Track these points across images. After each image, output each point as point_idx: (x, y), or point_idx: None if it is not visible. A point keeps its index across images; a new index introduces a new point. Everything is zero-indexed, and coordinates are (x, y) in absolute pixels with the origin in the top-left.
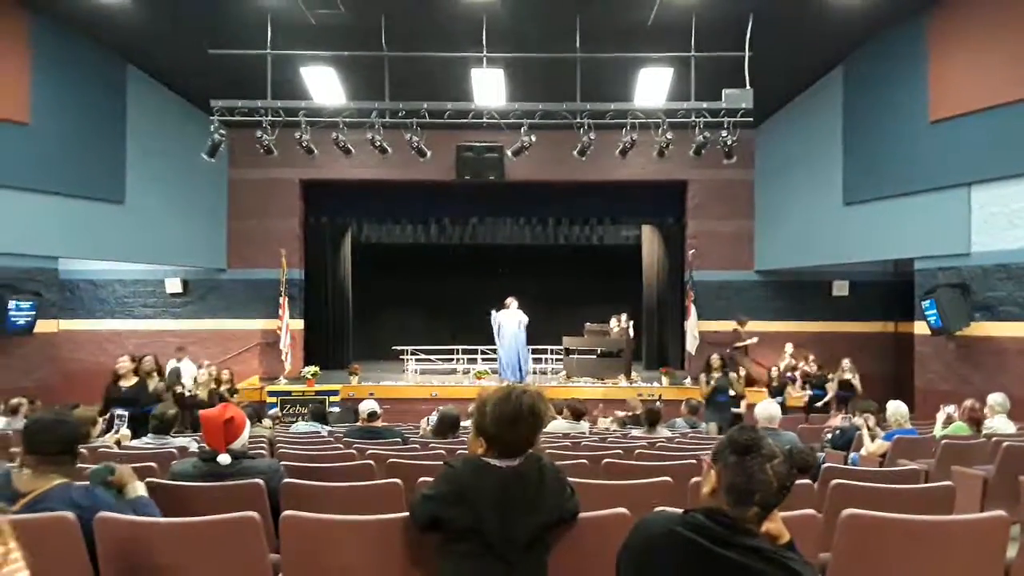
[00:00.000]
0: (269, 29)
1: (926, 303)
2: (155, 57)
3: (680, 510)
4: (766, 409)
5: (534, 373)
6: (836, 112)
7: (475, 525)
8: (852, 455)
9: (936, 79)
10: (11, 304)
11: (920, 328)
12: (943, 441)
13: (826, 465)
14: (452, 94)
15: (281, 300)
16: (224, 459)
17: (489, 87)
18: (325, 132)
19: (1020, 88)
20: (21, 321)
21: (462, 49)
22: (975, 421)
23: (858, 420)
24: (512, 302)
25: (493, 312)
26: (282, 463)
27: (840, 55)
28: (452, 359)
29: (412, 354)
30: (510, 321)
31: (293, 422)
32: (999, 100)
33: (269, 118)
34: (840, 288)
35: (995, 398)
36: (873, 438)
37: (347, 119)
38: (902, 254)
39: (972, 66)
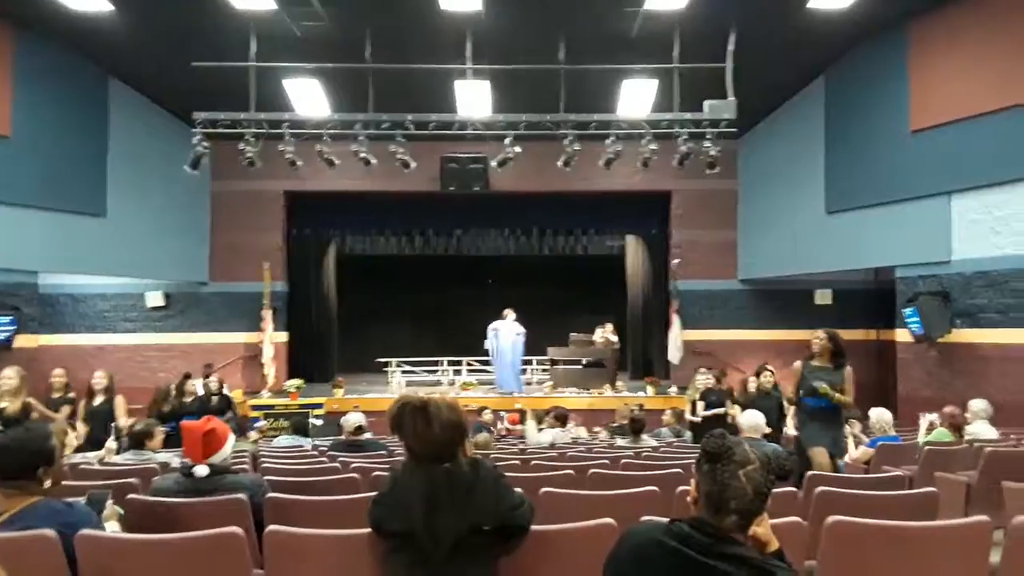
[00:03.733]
0: (253, 41)
1: (908, 311)
2: (137, 70)
3: (666, 520)
4: (751, 418)
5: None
6: (818, 122)
7: (406, 528)
8: (838, 462)
9: (916, 89)
10: None
11: (902, 336)
12: (926, 447)
13: (810, 472)
14: (437, 105)
15: (263, 313)
16: (201, 471)
17: (474, 98)
18: (309, 144)
19: (999, 97)
20: (0, 336)
21: (447, 60)
22: (956, 427)
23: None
24: (509, 313)
25: (490, 326)
26: (265, 478)
27: (822, 66)
28: (437, 371)
29: (397, 366)
30: (507, 332)
31: (276, 436)
32: (979, 110)
33: (252, 130)
34: (823, 296)
35: (977, 404)
36: (857, 445)
37: (331, 131)
38: (884, 262)
39: (952, 76)
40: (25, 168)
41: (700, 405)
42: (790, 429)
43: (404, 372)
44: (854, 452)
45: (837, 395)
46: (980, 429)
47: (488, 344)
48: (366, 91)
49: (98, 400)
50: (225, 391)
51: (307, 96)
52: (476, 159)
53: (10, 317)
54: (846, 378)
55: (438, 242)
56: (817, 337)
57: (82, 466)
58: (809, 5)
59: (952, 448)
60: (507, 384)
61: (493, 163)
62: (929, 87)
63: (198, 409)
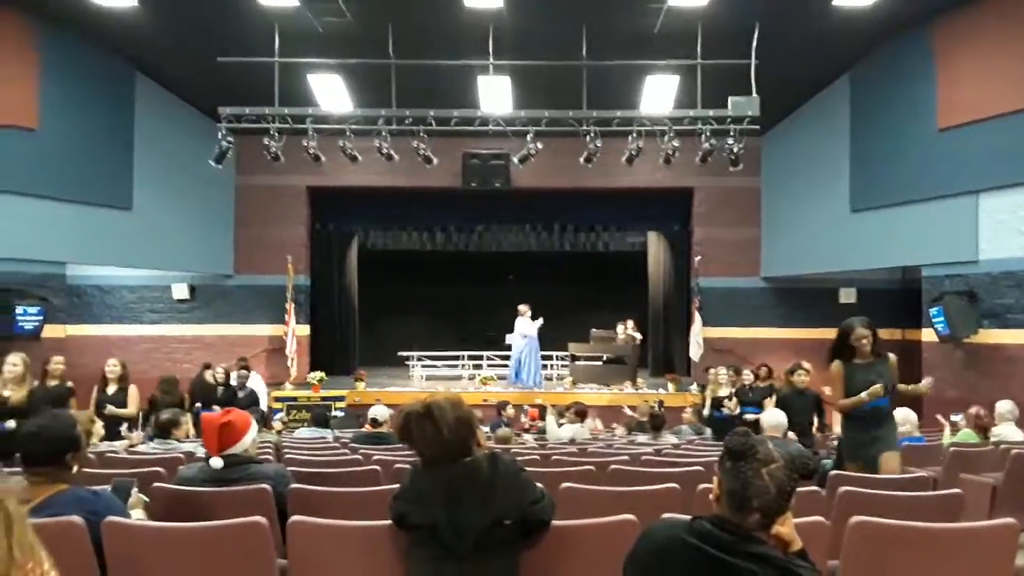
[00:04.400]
0: (276, 37)
1: (933, 310)
2: (163, 64)
3: (687, 517)
4: (773, 417)
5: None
6: (843, 119)
7: (429, 522)
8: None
9: (944, 87)
10: (19, 309)
11: (928, 335)
12: (951, 449)
13: (834, 472)
14: (459, 101)
15: (287, 306)
16: (215, 463)
17: (495, 94)
18: (332, 139)
19: None
20: (29, 326)
21: (468, 57)
22: (982, 428)
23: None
24: (524, 309)
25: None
26: (288, 468)
27: (847, 62)
28: (457, 365)
29: (418, 360)
30: (522, 328)
31: (297, 427)
32: (1007, 108)
33: (276, 125)
34: (847, 295)
35: (1004, 405)
36: None
37: (354, 126)
38: (909, 261)
39: (980, 73)
40: (53, 162)
41: (733, 402)
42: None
43: (424, 366)
44: None
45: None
46: (1006, 431)
47: (511, 339)
48: (389, 87)
49: (112, 389)
50: (251, 383)
51: (330, 91)
52: (498, 155)
53: (38, 308)
54: (894, 368)
55: (459, 238)
56: (863, 337)
57: (108, 454)
58: (834, 2)
59: (977, 449)
60: (520, 379)
61: (515, 159)
62: (956, 85)
63: (224, 399)
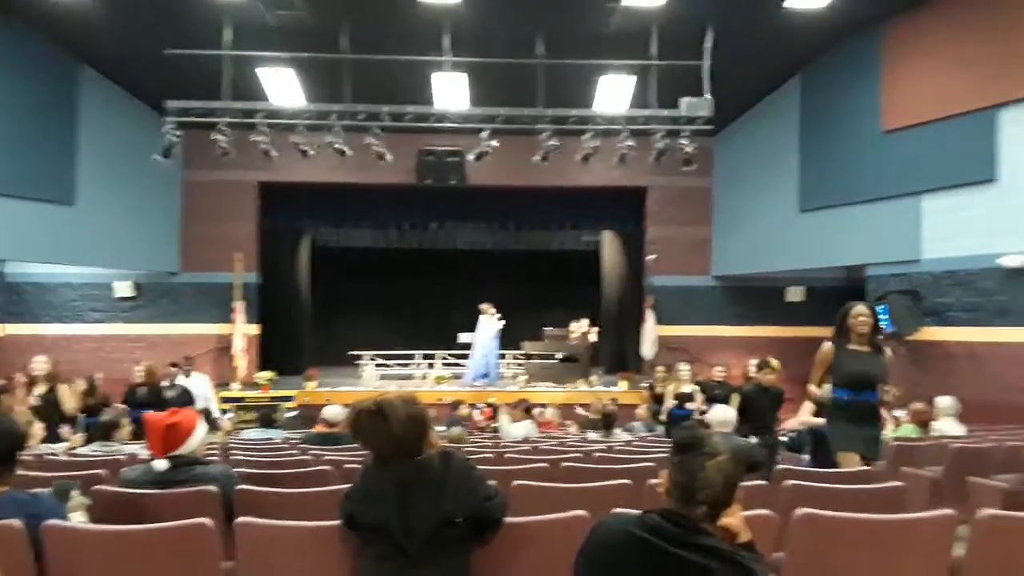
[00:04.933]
0: (227, 29)
1: (878, 308)
2: (110, 57)
3: (638, 512)
4: (721, 413)
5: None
6: (793, 121)
7: (380, 522)
8: (805, 457)
9: (889, 90)
10: None
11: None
12: (894, 443)
13: (780, 466)
14: (414, 98)
15: (234, 304)
16: (159, 465)
17: (451, 91)
18: (284, 134)
19: (969, 100)
20: None
21: (424, 52)
22: (923, 423)
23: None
24: (489, 308)
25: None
26: (236, 470)
27: (797, 65)
28: (411, 364)
29: (371, 359)
30: (486, 327)
31: (246, 429)
32: (949, 111)
33: (226, 119)
34: (795, 294)
35: (944, 401)
36: None
37: (306, 121)
38: (855, 261)
39: (924, 78)
40: None
41: (700, 398)
42: (793, 423)
43: (378, 365)
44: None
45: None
46: (947, 426)
47: (469, 337)
48: (342, 82)
49: (40, 389)
50: (195, 383)
51: (282, 86)
52: (453, 152)
53: None
54: (888, 365)
55: (413, 235)
56: (861, 315)
57: (48, 457)
58: (786, 5)
59: (919, 444)
60: (475, 378)
61: (470, 157)
62: (901, 88)
63: (146, 400)
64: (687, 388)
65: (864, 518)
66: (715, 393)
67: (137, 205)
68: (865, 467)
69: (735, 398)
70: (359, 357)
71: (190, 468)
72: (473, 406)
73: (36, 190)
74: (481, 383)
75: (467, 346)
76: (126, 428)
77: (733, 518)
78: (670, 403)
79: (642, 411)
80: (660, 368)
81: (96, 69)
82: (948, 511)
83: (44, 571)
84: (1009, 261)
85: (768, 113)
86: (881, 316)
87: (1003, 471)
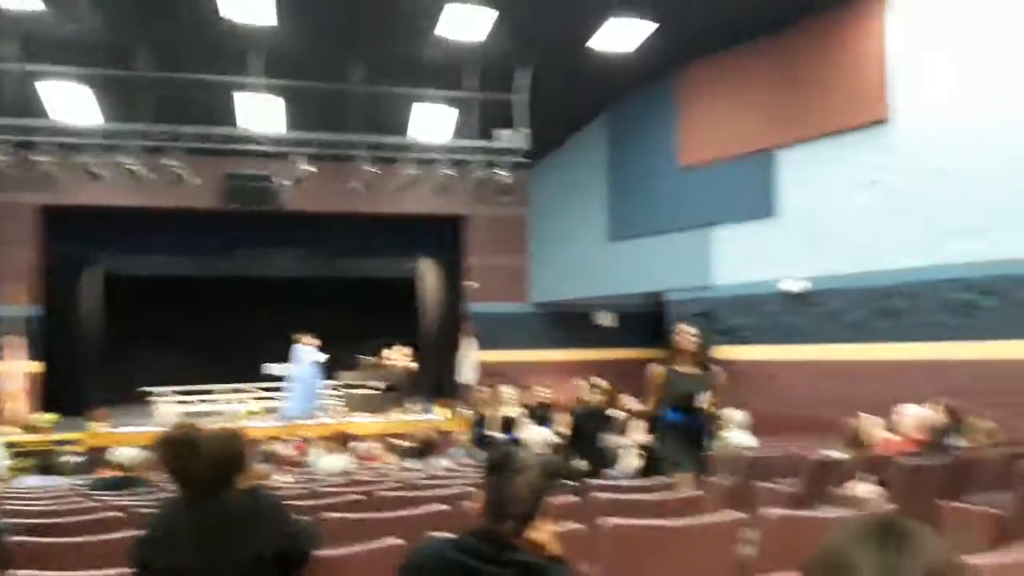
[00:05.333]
0: (10, 42)
1: None
2: None
3: (453, 535)
4: (537, 435)
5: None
6: (602, 155)
7: (179, 564)
8: (613, 471)
9: (684, 129)
10: None
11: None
12: None
13: (589, 480)
14: (222, 119)
15: (4, 340)
16: None
17: (264, 114)
18: (72, 155)
19: (752, 141)
20: None
21: (236, 72)
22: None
23: (621, 439)
24: (310, 339)
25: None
26: (11, 520)
27: (606, 103)
28: (218, 400)
29: (172, 395)
30: (307, 357)
31: (23, 476)
32: (735, 151)
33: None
34: (607, 318)
35: (733, 414)
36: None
37: (97, 141)
38: (657, 287)
39: (714, 119)
40: None
41: (527, 422)
42: (625, 440)
43: (180, 402)
44: (632, 461)
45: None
46: (737, 437)
47: (283, 369)
48: (141, 100)
49: None
50: None
51: (73, 103)
52: (264, 177)
53: None
54: (716, 380)
55: (220, 263)
56: (688, 334)
57: None
58: (595, 47)
59: (714, 454)
60: (296, 412)
61: (285, 182)
62: (695, 128)
63: None
64: (512, 411)
65: (664, 524)
66: (541, 415)
67: None
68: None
69: (563, 419)
70: (155, 393)
71: None
72: (284, 441)
73: None
74: (300, 417)
75: (279, 379)
76: None
77: (542, 532)
78: (495, 426)
79: (462, 437)
80: (483, 390)
81: None
82: (736, 513)
83: None
84: (786, 286)
85: (580, 147)
86: None
87: (787, 476)
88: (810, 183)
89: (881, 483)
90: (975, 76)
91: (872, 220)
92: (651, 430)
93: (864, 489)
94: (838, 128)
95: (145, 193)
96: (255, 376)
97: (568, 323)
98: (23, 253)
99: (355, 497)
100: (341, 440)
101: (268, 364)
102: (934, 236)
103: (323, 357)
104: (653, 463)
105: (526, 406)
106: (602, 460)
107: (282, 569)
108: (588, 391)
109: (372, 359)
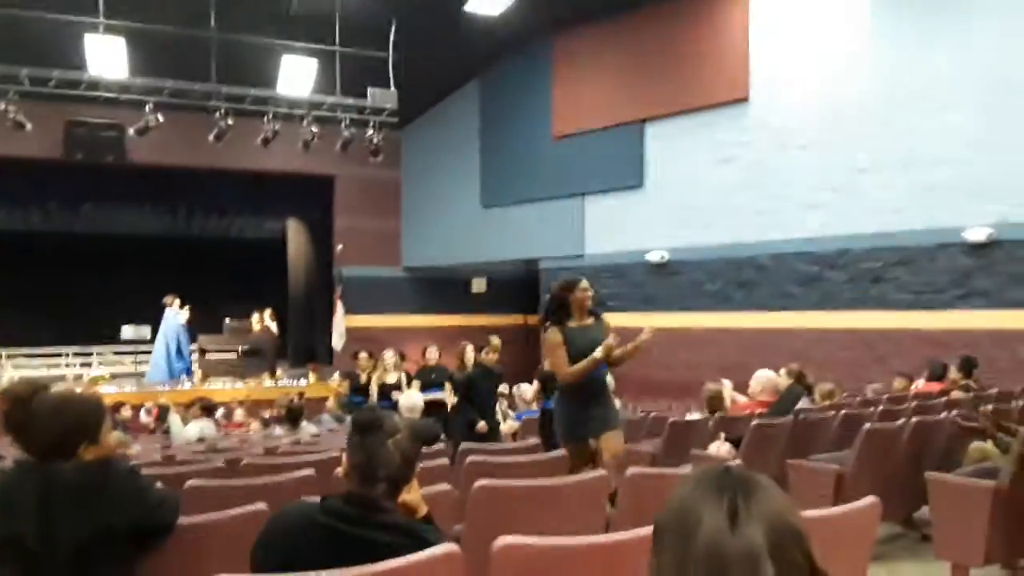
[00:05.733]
0: None
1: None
2: None
3: (319, 498)
4: (410, 400)
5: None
6: (474, 120)
7: (15, 534)
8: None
9: (558, 99)
10: None
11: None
12: None
13: (462, 446)
14: (64, 62)
15: None
16: None
17: (108, 57)
18: None
19: (623, 113)
20: None
21: (78, 12)
22: None
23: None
24: (172, 299)
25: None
26: None
27: (478, 67)
28: (60, 363)
29: (7, 358)
30: (171, 319)
31: None
32: (607, 122)
33: None
34: (479, 284)
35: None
36: (505, 418)
37: None
38: (531, 255)
39: (587, 88)
40: None
41: (415, 385)
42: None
43: (16, 366)
44: (504, 425)
45: (627, 348)
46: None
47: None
48: None
49: None
50: None
51: None
52: (111, 126)
53: None
54: (608, 330)
55: (62, 217)
56: (587, 289)
57: None
58: (466, 8)
59: None
60: (161, 376)
61: (131, 131)
62: (569, 98)
63: None
64: (391, 377)
65: (532, 484)
66: (431, 379)
67: None
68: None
69: (452, 382)
70: None
71: None
72: (137, 408)
73: None
74: (166, 381)
75: (133, 342)
76: None
77: (411, 494)
78: (374, 392)
79: (331, 403)
80: (363, 355)
81: None
82: (601, 473)
83: None
84: (652, 257)
85: (452, 111)
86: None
87: (651, 438)
88: (676, 156)
89: (733, 443)
90: (824, 57)
91: (731, 194)
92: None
93: (718, 448)
94: (704, 104)
95: None
96: (105, 339)
97: (440, 289)
98: None
99: (217, 464)
100: (202, 406)
101: (124, 327)
102: (787, 211)
103: (185, 316)
104: (547, 425)
105: (420, 369)
106: (494, 421)
107: (139, 542)
108: (478, 353)
109: (238, 323)
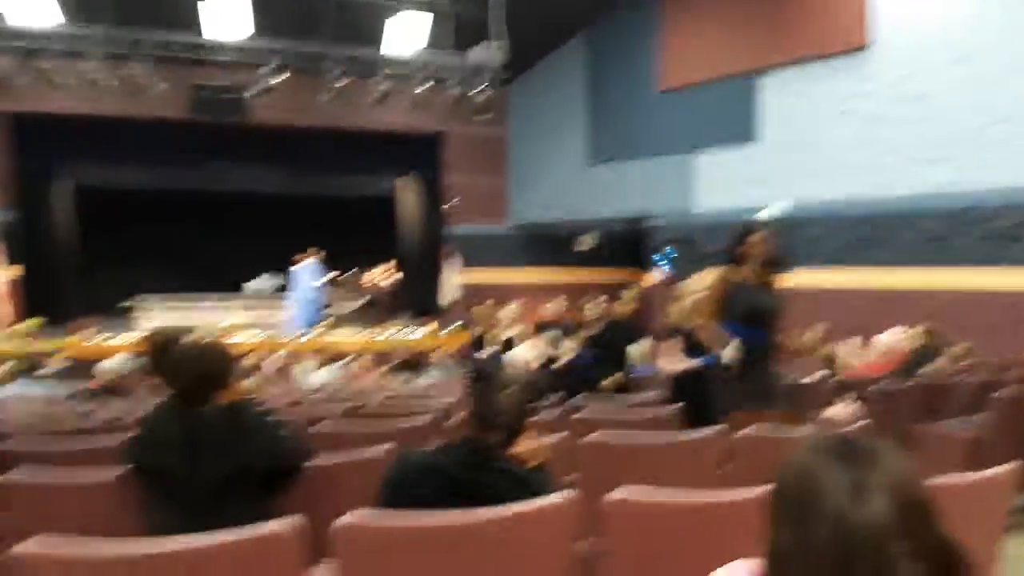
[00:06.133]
0: None
1: (658, 255)
2: None
3: (440, 444)
4: (523, 351)
5: None
6: (581, 76)
7: (162, 466)
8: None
9: (667, 52)
10: None
11: (653, 277)
12: None
13: (578, 398)
14: (185, 24)
15: None
16: None
17: (231, 19)
18: (32, 60)
19: (735, 65)
20: None
21: None
22: None
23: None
24: (305, 255)
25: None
26: None
27: (585, 20)
28: (195, 310)
29: (155, 306)
30: (309, 275)
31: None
32: (719, 74)
33: None
34: (587, 241)
35: None
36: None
37: (60, 47)
38: (637, 212)
39: (697, 42)
40: None
41: (539, 338)
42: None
43: (163, 313)
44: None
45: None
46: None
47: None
48: (102, 4)
49: None
50: None
51: (32, 4)
52: (232, 87)
53: None
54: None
55: (189, 176)
56: (762, 241)
57: None
58: None
59: None
60: (301, 325)
61: (247, 94)
62: (678, 50)
63: None
64: (511, 331)
65: (641, 439)
66: (552, 332)
67: None
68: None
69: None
70: (129, 308)
71: None
72: (267, 355)
73: None
74: (304, 331)
75: (260, 295)
76: None
77: (525, 444)
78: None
79: (446, 354)
80: (483, 307)
81: None
82: (715, 429)
83: None
84: (764, 213)
85: (558, 66)
86: (659, 262)
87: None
88: (790, 109)
89: (859, 404)
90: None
91: (850, 148)
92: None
93: (841, 410)
94: (820, 52)
95: (110, 102)
96: (231, 290)
97: (547, 245)
98: None
99: (343, 409)
100: (327, 355)
101: (252, 280)
102: (910, 164)
103: (326, 272)
104: (697, 393)
105: (540, 323)
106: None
107: (271, 482)
108: (610, 305)
109: (354, 275)
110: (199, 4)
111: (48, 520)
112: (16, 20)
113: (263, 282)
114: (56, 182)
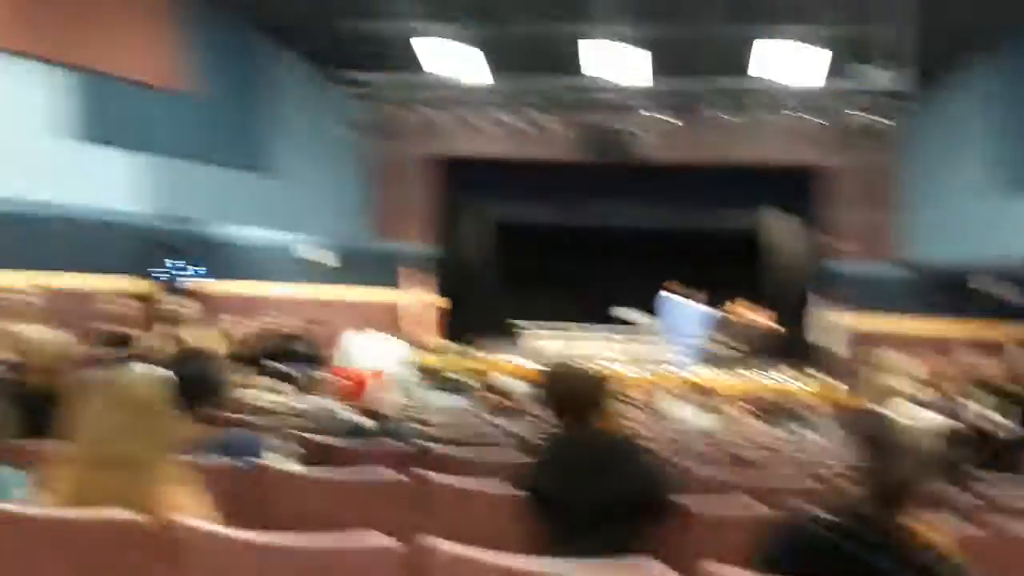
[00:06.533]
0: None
1: None
2: (292, 27)
3: (823, 512)
4: (919, 415)
5: None
6: (986, 98)
7: (557, 493)
8: None
9: None
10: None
11: None
12: None
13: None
14: (576, 69)
15: (409, 273)
16: (363, 421)
17: (623, 63)
18: (457, 108)
19: None
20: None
21: (588, 20)
22: None
23: None
24: (679, 288)
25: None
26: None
27: (993, 36)
28: (579, 339)
29: (540, 331)
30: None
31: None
32: None
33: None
34: (999, 287)
35: None
36: None
37: (479, 99)
38: None
39: None
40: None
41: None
42: None
43: (546, 338)
44: None
45: None
46: None
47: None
48: (498, 51)
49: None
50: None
51: (442, 55)
52: (622, 129)
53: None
54: None
55: (576, 212)
56: None
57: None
58: None
59: None
60: (687, 361)
61: (634, 132)
62: None
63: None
64: (903, 385)
65: None
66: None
67: (327, 175)
68: None
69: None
70: (518, 328)
71: (383, 423)
72: (637, 386)
73: (232, 157)
74: (689, 366)
75: (634, 324)
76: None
77: (923, 525)
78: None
79: (826, 407)
80: (879, 358)
81: (293, 49)
82: None
83: (262, 512)
84: None
85: (963, 84)
86: None
87: None
88: None
89: None
90: None
91: None
92: None
93: None
94: None
95: (520, 144)
96: (609, 321)
97: (945, 289)
98: (421, 195)
99: (723, 454)
100: (703, 395)
101: (621, 309)
102: None
103: (706, 312)
104: None
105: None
106: None
107: (641, 513)
108: None
109: (736, 315)
110: (586, 45)
111: (452, 522)
112: (443, 70)
113: (633, 314)
114: (474, 218)
